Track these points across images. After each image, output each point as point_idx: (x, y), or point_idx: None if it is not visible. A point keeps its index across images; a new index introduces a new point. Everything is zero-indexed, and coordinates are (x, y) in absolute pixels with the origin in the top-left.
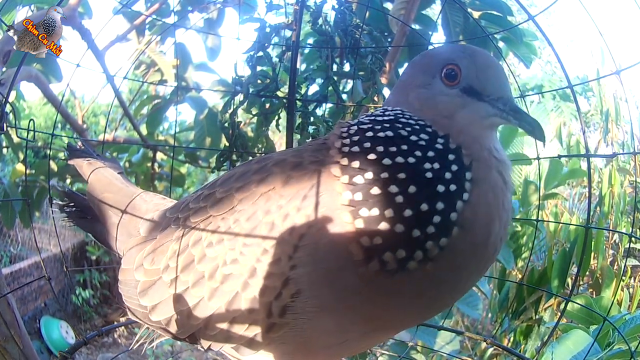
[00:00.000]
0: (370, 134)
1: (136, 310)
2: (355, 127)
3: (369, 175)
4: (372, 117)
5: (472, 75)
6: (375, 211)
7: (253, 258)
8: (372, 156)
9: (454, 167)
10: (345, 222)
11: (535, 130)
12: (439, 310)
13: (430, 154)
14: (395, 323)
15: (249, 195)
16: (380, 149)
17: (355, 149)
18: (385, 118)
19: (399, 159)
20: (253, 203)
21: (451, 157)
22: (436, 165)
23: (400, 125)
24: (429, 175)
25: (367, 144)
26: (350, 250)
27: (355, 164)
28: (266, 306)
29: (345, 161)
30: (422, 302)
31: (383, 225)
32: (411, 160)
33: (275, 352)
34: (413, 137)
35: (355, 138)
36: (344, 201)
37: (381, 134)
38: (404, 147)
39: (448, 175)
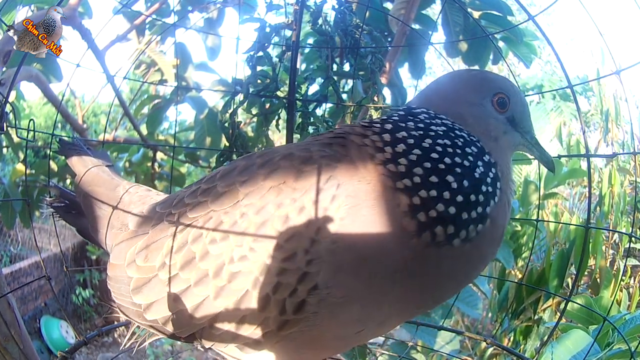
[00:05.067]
0: (421, 132)
1: (128, 309)
2: (392, 124)
3: (427, 165)
4: (422, 118)
5: (515, 108)
6: (434, 192)
7: (265, 254)
8: (428, 153)
9: (492, 175)
10: (395, 202)
11: (551, 163)
12: (453, 293)
13: (480, 163)
14: (419, 303)
15: (257, 189)
16: (439, 148)
17: (408, 142)
18: (439, 122)
19: (457, 159)
20: (261, 197)
21: (492, 169)
22: (482, 170)
23: (453, 134)
24: (477, 175)
25: (420, 141)
26: (404, 225)
27: (412, 157)
28: (279, 304)
29: (390, 153)
30: (450, 280)
31: (440, 207)
32: (466, 163)
33: (283, 349)
34: (467, 149)
35: (401, 134)
36: (394, 185)
37: (436, 137)
38: (459, 150)
39: (489, 180)
